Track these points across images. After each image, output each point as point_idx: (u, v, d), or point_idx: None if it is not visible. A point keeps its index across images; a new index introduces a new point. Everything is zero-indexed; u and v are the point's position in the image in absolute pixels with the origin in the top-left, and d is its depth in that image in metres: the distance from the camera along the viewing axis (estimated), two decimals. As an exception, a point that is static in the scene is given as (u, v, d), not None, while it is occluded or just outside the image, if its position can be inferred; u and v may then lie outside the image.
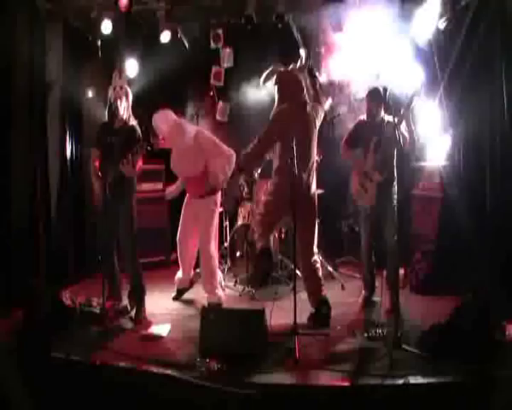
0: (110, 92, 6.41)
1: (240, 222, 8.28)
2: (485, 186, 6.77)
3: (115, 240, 6.59)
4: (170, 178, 8.16)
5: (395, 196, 6.39)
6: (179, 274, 7.32)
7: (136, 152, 6.14)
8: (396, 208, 6.33)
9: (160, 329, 6.10)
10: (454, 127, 7.33)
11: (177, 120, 6.67)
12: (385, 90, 6.41)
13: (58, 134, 8.22)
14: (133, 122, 6.51)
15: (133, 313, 6.53)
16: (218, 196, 7.01)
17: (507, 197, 6.42)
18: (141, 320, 6.41)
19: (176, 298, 7.32)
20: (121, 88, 6.43)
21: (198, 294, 7.23)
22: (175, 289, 7.38)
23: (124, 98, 6.40)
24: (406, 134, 6.32)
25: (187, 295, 7.33)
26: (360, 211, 6.82)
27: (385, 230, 6.46)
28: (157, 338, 5.88)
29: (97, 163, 6.44)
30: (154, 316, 6.60)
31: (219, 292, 6.94)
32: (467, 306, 5.31)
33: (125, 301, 6.74)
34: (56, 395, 4.90)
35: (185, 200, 7.12)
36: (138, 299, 6.57)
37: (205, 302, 6.79)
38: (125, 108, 6.42)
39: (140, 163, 6.38)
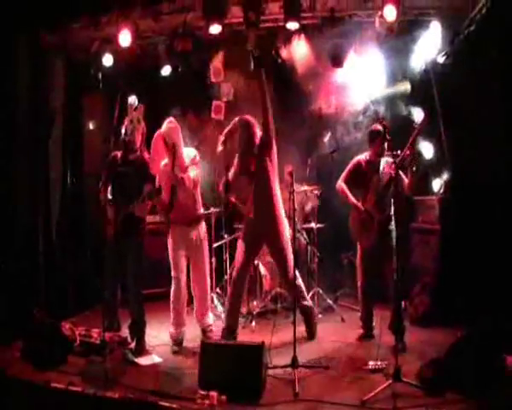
0: (126, 123, 6.48)
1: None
2: (484, 219, 6.81)
3: (121, 275, 6.61)
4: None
5: (394, 234, 6.43)
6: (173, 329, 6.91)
7: (149, 195, 6.21)
8: (395, 246, 6.37)
9: (150, 360, 6.21)
10: (453, 160, 7.40)
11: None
12: (384, 126, 6.38)
13: (60, 164, 8.28)
14: (146, 155, 6.61)
15: (133, 345, 6.55)
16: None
17: (506, 230, 6.47)
18: (140, 352, 6.43)
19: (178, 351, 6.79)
20: (138, 121, 6.50)
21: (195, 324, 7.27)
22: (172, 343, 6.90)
23: (140, 131, 6.51)
24: (405, 178, 6.41)
25: (190, 326, 7.32)
26: (360, 250, 6.85)
27: (385, 267, 6.47)
28: (157, 370, 5.94)
29: (105, 194, 6.49)
30: (153, 349, 6.66)
31: (210, 318, 7.06)
32: (466, 339, 5.32)
33: (125, 333, 6.76)
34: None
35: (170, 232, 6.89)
36: (139, 333, 6.60)
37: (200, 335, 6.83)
38: (139, 141, 6.54)
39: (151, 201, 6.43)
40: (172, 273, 6.81)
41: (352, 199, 6.76)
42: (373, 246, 6.56)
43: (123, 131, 6.46)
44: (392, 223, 6.29)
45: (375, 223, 6.51)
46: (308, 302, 6.99)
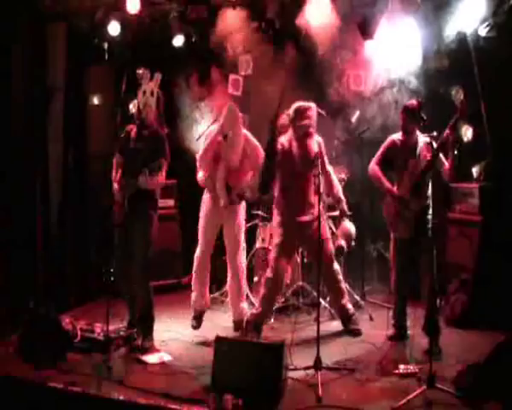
0: (139, 97, 6.43)
1: (258, 245, 8.22)
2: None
3: (131, 261, 6.54)
4: (182, 193, 8.20)
5: (430, 225, 6.34)
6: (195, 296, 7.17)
7: (156, 167, 6.18)
8: (433, 237, 6.28)
9: (158, 358, 6.17)
10: (495, 144, 7.29)
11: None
12: (420, 104, 6.29)
13: (61, 144, 8.24)
14: (164, 131, 6.58)
15: (140, 342, 6.52)
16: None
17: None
18: (148, 350, 6.38)
19: (196, 326, 7.12)
20: (152, 93, 6.45)
21: (212, 319, 7.21)
22: (192, 314, 7.19)
23: (154, 104, 6.44)
24: (444, 160, 6.29)
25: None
26: (394, 240, 6.74)
27: (421, 262, 6.38)
28: (165, 368, 5.92)
29: (119, 173, 6.49)
30: (165, 344, 6.67)
31: (245, 308, 7.07)
32: (508, 344, 5.23)
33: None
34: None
35: (206, 209, 7.09)
36: (146, 328, 6.54)
37: (219, 330, 6.49)
38: (155, 116, 6.48)
39: (162, 178, 6.41)
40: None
41: (387, 184, 6.63)
42: (409, 237, 6.45)
43: (132, 105, 6.42)
44: (430, 212, 6.22)
45: (412, 211, 6.39)
46: (350, 308, 7.03)
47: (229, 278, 7.13)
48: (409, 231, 6.44)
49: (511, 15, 7.07)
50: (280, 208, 6.82)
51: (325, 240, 6.74)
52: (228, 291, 7.26)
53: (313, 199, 6.58)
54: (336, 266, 6.95)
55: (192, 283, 7.16)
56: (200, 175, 7.06)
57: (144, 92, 6.42)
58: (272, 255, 6.81)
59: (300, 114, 6.62)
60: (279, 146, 6.71)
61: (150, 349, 6.39)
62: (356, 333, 6.89)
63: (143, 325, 6.55)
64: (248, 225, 8.17)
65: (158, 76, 6.49)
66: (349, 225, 6.93)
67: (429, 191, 6.40)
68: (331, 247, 6.90)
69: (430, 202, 6.35)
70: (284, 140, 6.75)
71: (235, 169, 6.90)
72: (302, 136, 6.61)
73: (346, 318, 6.97)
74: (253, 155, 6.96)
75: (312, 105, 6.67)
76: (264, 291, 6.73)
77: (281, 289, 7.09)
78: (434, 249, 5.83)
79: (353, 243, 7.07)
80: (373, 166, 6.74)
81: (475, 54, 7.43)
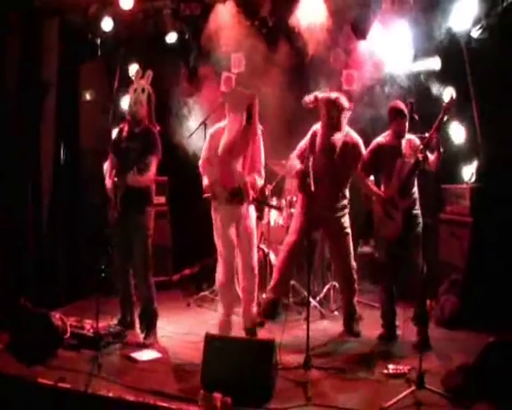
0: (130, 94, 6.46)
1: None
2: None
3: (130, 259, 6.64)
4: (173, 191, 8.20)
5: (421, 223, 6.37)
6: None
7: (144, 164, 6.21)
8: (421, 236, 6.32)
9: (147, 355, 6.17)
10: (487, 145, 7.32)
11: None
12: (411, 104, 6.27)
13: (53, 141, 8.23)
14: (155, 128, 6.59)
15: (142, 336, 6.59)
16: None
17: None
18: (153, 345, 6.44)
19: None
20: (143, 90, 6.47)
21: (203, 317, 7.21)
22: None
23: (145, 101, 6.46)
24: (431, 156, 6.31)
25: (191, 319, 7.30)
26: (382, 242, 6.77)
27: (411, 261, 6.39)
28: (154, 366, 5.92)
29: (111, 172, 6.49)
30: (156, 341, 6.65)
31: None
32: (499, 345, 5.24)
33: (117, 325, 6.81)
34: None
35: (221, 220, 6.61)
36: (150, 323, 6.63)
37: (209, 328, 6.52)
38: (146, 113, 6.51)
39: (151, 174, 6.44)
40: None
41: (373, 188, 6.70)
42: (398, 237, 6.47)
43: (125, 102, 6.43)
44: (418, 209, 6.25)
45: (400, 211, 6.42)
46: (357, 310, 7.16)
47: (241, 280, 6.76)
48: (397, 231, 6.46)
49: (503, 17, 7.09)
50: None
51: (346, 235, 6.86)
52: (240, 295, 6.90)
53: None
54: (354, 263, 7.00)
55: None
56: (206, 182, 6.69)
57: (135, 90, 6.45)
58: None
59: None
60: None
61: (153, 345, 6.44)
62: (357, 335, 6.92)
63: (146, 320, 6.64)
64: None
65: (149, 73, 6.52)
66: None
67: (415, 189, 6.43)
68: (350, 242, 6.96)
69: (417, 200, 6.38)
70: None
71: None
72: None
73: (353, 319, 7.00)
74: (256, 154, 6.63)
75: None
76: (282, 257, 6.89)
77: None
78: (421, 247, 5.93)
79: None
80: (359, 173, 6.78)
81: (468, 55, 7.45)
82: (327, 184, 6.72)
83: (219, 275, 6.59)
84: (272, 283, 7.19)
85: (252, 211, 6.66)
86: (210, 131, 6.81)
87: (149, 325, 6.62)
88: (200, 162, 6.61)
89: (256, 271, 6.69)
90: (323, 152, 6.71)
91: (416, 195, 6.45)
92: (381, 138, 6.70)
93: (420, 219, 6.43)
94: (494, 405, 4.82)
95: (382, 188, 6.65)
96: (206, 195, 6.63)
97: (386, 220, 6.54)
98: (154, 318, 6.68)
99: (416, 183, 6.42)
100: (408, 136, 6.45)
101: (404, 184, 6.38)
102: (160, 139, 6.55)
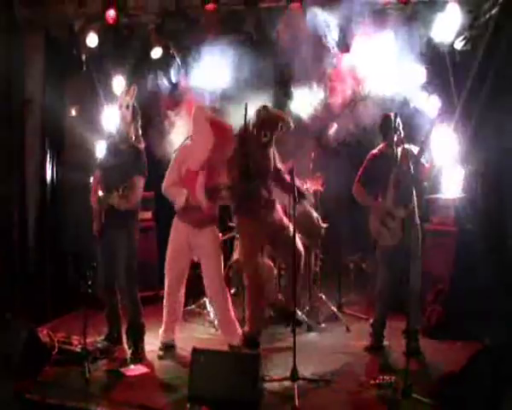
0: (117, 111, 6.50)
1: (235, 256, 8.22)
2: (504, 221, 6.80)
3: (114, 273, 6.64)
4: (160, 205, 8.20)
5: (419, 233, 6.41)
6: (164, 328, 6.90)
7: (128, 187, 6.20)
8: (420, 247, 6.36)
9: (135, 370, 6.19)
10: (471, 156, 7.38)
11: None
12: (395, 116, 6.35)
13: (38, 156, 8.25)
14: (141, 145, 6.62)
15: (129, 352, 6.58)
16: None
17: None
18: (140, 360, 6.45)
19: (161, 356, 6.72)
20: (127, 107, 6.48)
21: (189, 331, 7.24)
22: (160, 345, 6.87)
23: (130, 118, 6.48)
24: (424, 163, 6.37)
25: (178, 333, 7.29)
26: (379, 251, 6.78)
27: (410, 269, 6.31)
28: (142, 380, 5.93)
29: (96, 187, 6.54)
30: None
31: (239, 331, 6.75)
32: (484, 354, 5.29)
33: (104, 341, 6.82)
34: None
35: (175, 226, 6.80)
36: (137, 338, 6.64)
37: (196, 342, 6.52)
38: (132, 130, 6.51)
39: (136, 197, 6.46)
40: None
41: (371, 200, 6.73)
42: (395, 246, 6.50)
43: (110, 117, 6.47)
44: (417, 218, 6.28)
45: (397, 221, 6.47)
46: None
47: (216, 306, 6.89)
48: (394, 240, 6.50)
49: (486, 29, 7.17)
50: None
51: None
52: (216, 317, 7.03)
53: None
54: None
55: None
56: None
57: (120, 106, 6.48)
58: None
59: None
60: None
61: (141, 359, 6.46)
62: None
63: (133, 335, 6.65)
64: (225, 237, 8.21)
65: (134, 88, 6.55)
66: None
67: (414, 199, 6.45)
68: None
69: (415, 209, 6.38)
70: None
71: (208, 168, 6.60)
72: None
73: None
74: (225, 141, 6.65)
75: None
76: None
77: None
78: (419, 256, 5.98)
79: None
80: (356, 187, 6.81)
81: (451, 66, 7.53)
82: None
83: None
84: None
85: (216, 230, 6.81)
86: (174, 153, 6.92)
87: (137, 341, 6.61)
88: (164, 187, 6.71)
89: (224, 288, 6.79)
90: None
91: (415, 204, 6.44)
92: (376, 150, 6.76)
93: (419, 230, 6.46)
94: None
95: (380, 198, 6.70)
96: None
97: (383, 230, 6.57)
98: (141, 333, 6.68)
99: (413, 192, 6.41)
100: (404, 145, 6.48)
101: (401, 192, 6.42)
102: (146, 155, 6.59)
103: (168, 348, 6.74)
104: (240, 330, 6.73)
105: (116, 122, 6.57)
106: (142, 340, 6.68)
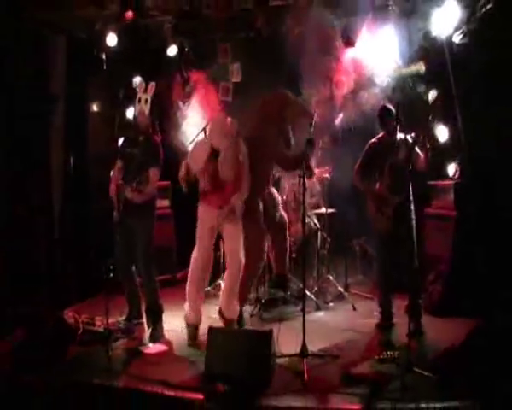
0: (135, 105, 6.58)
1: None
2: (502, 205, 6.79)
3: (133, 258, 6.76)
4: (176, 194, 8.24)
5: (413, 217, 6.42)
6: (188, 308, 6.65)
7: (144, 179, 6.32)
8: (414, 230, 6.37)
9: (154, 348, 6.27)
10: (470, 143, 7.36)
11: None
12: (397, 105, 6.40)
13: (62, 151, 8.31)
14: (157, 138, 6.74)
15: (149, 332, 6.65)
16: None
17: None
18: (159, 338, 6.54)
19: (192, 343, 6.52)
20: (146, 101, 6.56)
21: (205, 311, 7.27)
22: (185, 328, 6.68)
23: (148, 112, 6.57)
24: (420, 153, 6.38)
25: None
26: (377, 235, 6.83)
27: (404, 253, 6.37)
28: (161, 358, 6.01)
29: (116, 176, 6.59)
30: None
31: (237, 309, 6.68)
32: (482, 331, 5.32)
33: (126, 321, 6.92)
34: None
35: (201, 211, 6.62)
36: (155, 318, 6.73)
37: (212, 321, 6.61)
38: (149, 123, 6.63)
39: (151, 189, 6.56)
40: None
41: (368, 186, 6.75)
42: (389, 230, 6.54)
43: (130, 112, 6.54)
44: (410, 205, 6.28)
45: (392, 206, 6.49)
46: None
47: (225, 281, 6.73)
48: (389, 225, 6.52)
49: (483, 23, 7.14)
50: None
51: None
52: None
53: None
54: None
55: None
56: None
57: (139, 100, 6.54)
58: None
59: None
60: None
61: (159, 338, 6.54)
62: None
63: (152, 315, 6.74)
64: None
65: (152, 85, 6.59)
66: None
67: (409, 186, 6.42)
68: None
69: (411, 195, 6.37)
70: None
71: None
72: None
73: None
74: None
75: None
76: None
77: None
78: (414, 240, 5.98)
79: None
80: (356, 174, 6.85)
81: (450, 59, 7.50)
82: None
83: None
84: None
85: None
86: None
87: (155, 320, 6.69)
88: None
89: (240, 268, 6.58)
90: None
91: (410, 192, 6.42)
92: (375, 139, 6.79)
93: (412, 214, 6.46)
94: (478, 385, 4.87)
95: (378, 185, 6.71)
96: None
97: (379, 216, 6.61)
98: (159, 312, 6.77)
99: (408, 180, 6.39)
100: (401, 134, 6.47)
101: (396, 179, 6.44)
102: (162, 147, 6.65)
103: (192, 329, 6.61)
104: (238, 309, 6.67)
105: (135, 116, 6.65)
106: (160, 319, 6.76)
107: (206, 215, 6.50)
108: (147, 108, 6.56)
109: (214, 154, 6.31)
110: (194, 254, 6.61)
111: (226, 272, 6.67)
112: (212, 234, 6.56)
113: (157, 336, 6.57)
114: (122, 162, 6.59)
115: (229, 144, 6.30)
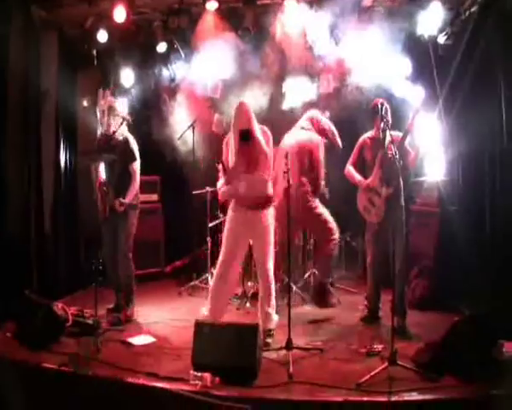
0: (98, 110, 6.67)
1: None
2: (484, 201, 6.82)
3: (115, 251, 6.90)
4: (165, 189, 8.21)
5: (403, 211, 6.42)
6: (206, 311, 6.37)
7: (129, 173, 6.73)
8: (404, 222, 6.37)
9: (142, 340, 6.25)
10: (453, 141, 7.38)
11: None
12: (383, 104, 6.42)
13: (53, 144, 8.27)
14: (127, 135, 6.87)
15: (124, 311, 6.90)
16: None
17: (506, 213, 6.46)
18: (128, 317, 6.85)
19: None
20: (108, 109, 6.76)
21: (193, 304, 7.26)
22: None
23: (111, 115, 6.74)
24: (410, 149, 6.39)
25: (182, 306, 7.33)
26: (368, 227, 6.82)
27: (394, 245, 6.22)
28: (149, 349, 6.00)
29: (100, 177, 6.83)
30: (148, 326, 6.77)
31: (275, 318, 6.29)
32: (463, 323, 5.32)
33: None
34: (47, 407, 4.96)
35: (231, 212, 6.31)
36: (128, 298, 6.97)
37: (199, 314, 6.42)
38: (114, 125, 6.76)
39: (137, 180, 6.77)
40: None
41: (359, 178, 6.76)
42: (380, 223, 6.55)
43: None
44: (401, 198, 6.29)
45: (382, 199, 6.49)
46: None
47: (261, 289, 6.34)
48: (380, 217, 6.53)
49: (466, 25, 7.17)
50: None
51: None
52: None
53: None
54: None
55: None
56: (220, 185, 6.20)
57: (103, 111, 6.83)
58: None
59: None
60: None
61: (131, 315, 6.85)
62: None
63: (126, 296, 6.96)
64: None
65: (106, 93, 6.79)
66: None
67: (399, 180, 6.39)
68: None
69: (401, 189, 6.35)
70: None
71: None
72: None
73: None
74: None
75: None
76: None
77: None
78: (404, 233, 5.97)
79: None
80: (347, 168, 6.91)
81: (435, 59, 7.53)
82: None
83: None
84: None
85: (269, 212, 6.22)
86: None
87: (129, 300, 6.96)
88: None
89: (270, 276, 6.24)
90: None
91: (400, 185, 6.39)
92: (367, 134, 6.84)
93: (403, 208, 6.46)
94: (459, 377, 4.90)
95: (369, 178, 6.70)
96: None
97: (370, 208, 6.63)
98: (131, 293, 7.00)
99: (398, 174, 6.35)
100: (391, 133, 6.43)
101: (386, 172, 6.45)
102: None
103: None
104: (275, 318, 6.30)
105: (102, 125, 6.89)
106: (133, 300, 7.00)
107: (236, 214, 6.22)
108: (109, 118, 6.75)
109: (244, 135, 5.88)
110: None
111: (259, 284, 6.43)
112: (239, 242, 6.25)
113: (130, 313, 6.94)
114: (105, 166, 6.85)
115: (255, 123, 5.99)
